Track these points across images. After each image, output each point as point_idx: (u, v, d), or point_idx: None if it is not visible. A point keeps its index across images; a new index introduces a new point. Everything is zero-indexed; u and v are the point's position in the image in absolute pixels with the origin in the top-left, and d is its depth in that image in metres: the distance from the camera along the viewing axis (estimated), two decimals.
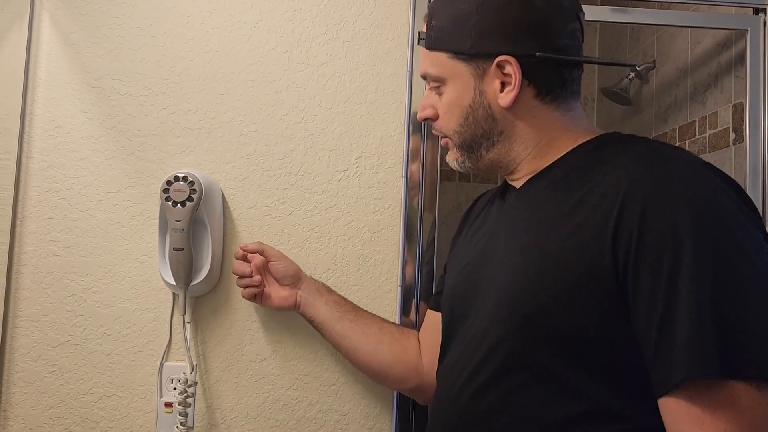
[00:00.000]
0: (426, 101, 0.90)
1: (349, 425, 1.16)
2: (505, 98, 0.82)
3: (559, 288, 0.73)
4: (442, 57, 0.85)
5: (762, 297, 0.66)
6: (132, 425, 1.14)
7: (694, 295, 0.65)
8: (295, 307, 1.11)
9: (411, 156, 1.20)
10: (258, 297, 1.11)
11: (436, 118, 0.89)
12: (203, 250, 1.12)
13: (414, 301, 1.19)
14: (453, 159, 0.90)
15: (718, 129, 1.56)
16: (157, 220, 1.12)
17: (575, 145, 0.83)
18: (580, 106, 0.87)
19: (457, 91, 0.85)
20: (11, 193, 1.14)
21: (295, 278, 1.11)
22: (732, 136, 1.50)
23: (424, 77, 0.90)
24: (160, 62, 1.18)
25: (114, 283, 1.16)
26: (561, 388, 0.73)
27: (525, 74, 0.81)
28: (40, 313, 1.14)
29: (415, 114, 1.20)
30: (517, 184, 0.88)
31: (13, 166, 1.15)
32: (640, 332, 0.68)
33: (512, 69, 0.81)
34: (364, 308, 1.15)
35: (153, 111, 1.18)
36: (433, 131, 0.92)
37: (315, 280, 1.14)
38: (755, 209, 0.73)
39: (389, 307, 1.18)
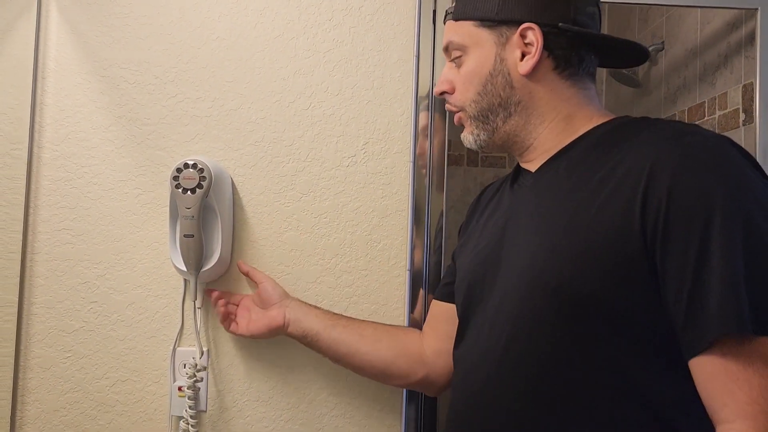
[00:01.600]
0: (444, 76, 0.92)
1: (359, 408, 1.18)
2: (525, 65, 0.84)
3: (586, 260, 0.74)
4: (467, 26, 0.87)
5: None
6: (146, 409, 1.16)
7: (727, 257, 0.66)
8: (284, 326, 1.09)
9: (418, 140, 1.20)
10: (238, 326, 1.13)
11: (452, 92, 0.91)
12: (213, 237, 1.13)
13: (423, 285, 1.19)
14: (468, 134, 0.91)
15: (728, 110, 1.55)
16: (168, 208, 1.13)
17: (592, 126, 0.84)
18: (595, 88, 0.88)
19: (479, 59, 0.87)
20: (23, 182, 1.16)
21: (283, 296, 1.12)
22: (742, 116, 1.48)
23: (446, 49, 0.91)
24: (168, 51, 1.19)
25: (126, 270, 1.17)
26: (590, 362, 0.74)
27: (546, 45, 0.83)
28: (55, 299, 1.16)
29: (422, 98, 1.20)
30: (532, 167, 0.88)
31: (25, 156, 1.16)
32: (670, 297, 0.70)
33: (534, 36, 0.83)
34: (374, 293, 1.17)
35: (162, 99, 1.19)
36: (447, 107, 0.93)
37: (300, 300, 1.14)
38: None
39: (398, 291, 1.19)
